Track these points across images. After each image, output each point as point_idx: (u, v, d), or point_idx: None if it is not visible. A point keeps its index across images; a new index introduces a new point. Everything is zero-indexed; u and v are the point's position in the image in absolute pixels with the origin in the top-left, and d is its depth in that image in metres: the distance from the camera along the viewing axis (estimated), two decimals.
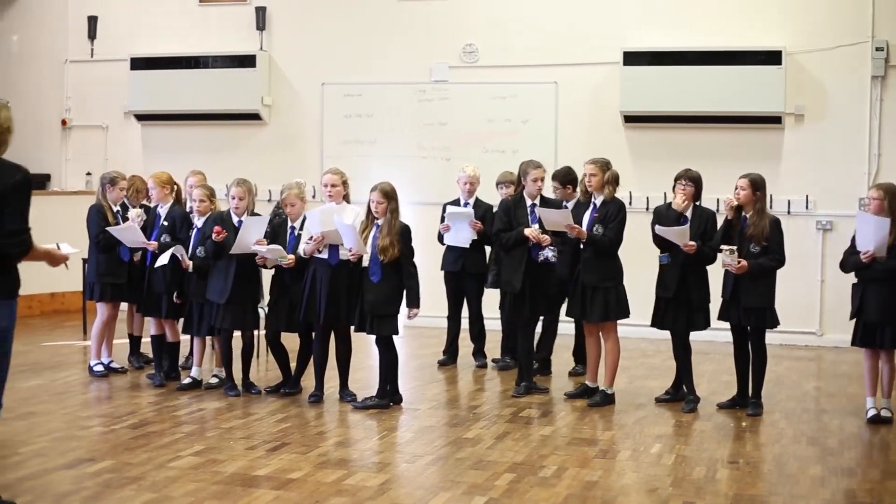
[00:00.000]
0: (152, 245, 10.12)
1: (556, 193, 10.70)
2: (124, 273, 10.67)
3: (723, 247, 9.16)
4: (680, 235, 9.28)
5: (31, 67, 16.50)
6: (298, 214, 9.72)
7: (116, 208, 10.70)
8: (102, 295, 10.72)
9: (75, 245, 7.04)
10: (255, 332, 10.19)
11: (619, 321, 9.68)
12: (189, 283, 9.98)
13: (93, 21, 16.08)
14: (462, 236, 11.11)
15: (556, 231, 9.64)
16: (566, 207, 9.95)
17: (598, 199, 9.61)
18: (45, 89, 16.38)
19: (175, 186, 10.48)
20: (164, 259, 9.87)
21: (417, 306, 9.37)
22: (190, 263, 9.90)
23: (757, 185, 9.24)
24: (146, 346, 11.13)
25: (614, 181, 9.59)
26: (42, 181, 15.82)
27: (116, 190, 10.72)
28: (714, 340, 11.40)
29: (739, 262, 9.09)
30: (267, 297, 10.16)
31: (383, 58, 14.86)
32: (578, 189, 10.11)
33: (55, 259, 6.56)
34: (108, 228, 10.38)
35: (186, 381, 10.12)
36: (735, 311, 9.32)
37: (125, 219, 10.52)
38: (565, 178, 10.79)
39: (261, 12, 15.29)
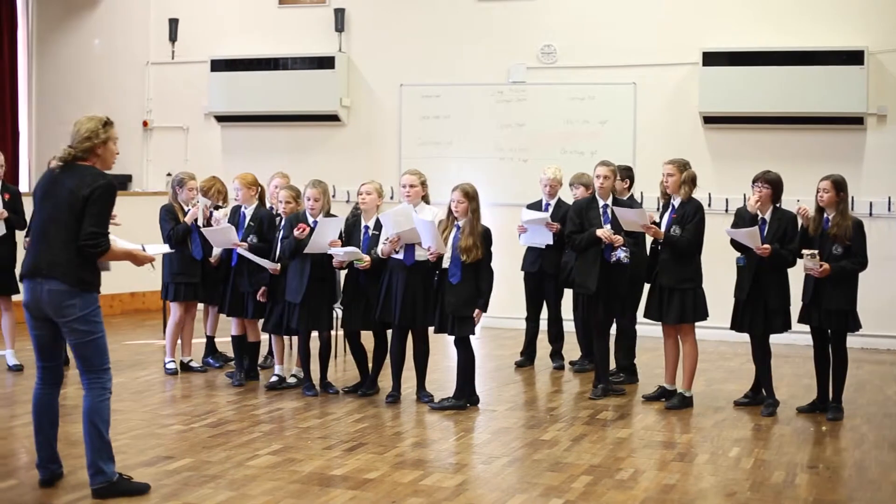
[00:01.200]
0: (243, 246, 10.18)
1: (615, 186, 10.61)
2: (198, 272, 10.77)
3: (804, 251, 9.05)
4: (750, 237, 9.18)
5: (113, 70, 16.71)
6: (369, 208, 9.75)
7: (188, 208, 10.80)
8: (176, 294, 10.83)
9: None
10: (333, 332, 10.24)
11: (697, 323, 9.61)
12: (276, 282, 10.01)
13: (174, 23, 16.24)
14: (539, 237, 11.06)
15: (629, 232, 9.60)
16: (640, 205, 9.91)
17: (676, 201, 9.55)
18: (127, 91, 16.56)
19: (259, 188, 10.57)
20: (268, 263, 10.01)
21: (484, 310, 9.37)
22: (277, 267, 9.96)
23: (840, 186, 9.11)
24: (220, 346, 11.25)
25: (691, 182, 9.52)
26: (124, 182, 16.02)
27: (185, 191, 10.84)
28: (794, 344, 11.28)
29: (822, 266, 8.97)
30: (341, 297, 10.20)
31: (461, 59, 14.86)
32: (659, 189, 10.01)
33: (139, 259, 6.79)
34: (203, 230, 10.49)
35: (273, 379, 10.18)
36: (816, 313, 9.21)
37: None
38: (624, 172, 10.76)
39: (339, 14, 15.35)
